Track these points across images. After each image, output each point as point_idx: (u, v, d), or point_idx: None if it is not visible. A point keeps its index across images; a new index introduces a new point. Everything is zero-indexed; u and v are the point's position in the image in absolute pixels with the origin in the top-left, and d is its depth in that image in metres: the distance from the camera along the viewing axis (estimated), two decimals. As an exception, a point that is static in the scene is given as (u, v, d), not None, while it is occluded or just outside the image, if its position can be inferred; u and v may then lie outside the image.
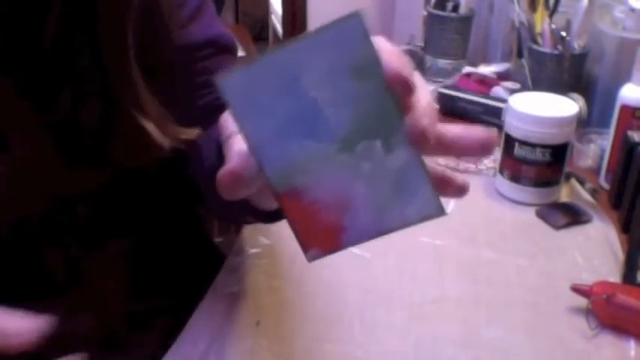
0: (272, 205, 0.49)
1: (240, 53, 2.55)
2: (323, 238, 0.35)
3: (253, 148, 0.32)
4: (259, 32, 2.81)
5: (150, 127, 0.56)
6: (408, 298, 0.72)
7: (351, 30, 0.30)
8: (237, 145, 0.35)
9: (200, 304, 0.69)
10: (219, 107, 0.68)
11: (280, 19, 2.09)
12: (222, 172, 0.34)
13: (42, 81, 0.57)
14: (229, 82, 0.31)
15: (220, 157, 0.57)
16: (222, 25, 0.69)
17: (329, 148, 0.32)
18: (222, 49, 0.69)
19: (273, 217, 0.54)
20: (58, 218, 0.62)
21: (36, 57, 0.56)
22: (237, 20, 2.96)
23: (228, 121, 0.38)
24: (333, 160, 0.33)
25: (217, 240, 0.88)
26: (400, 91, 0.31)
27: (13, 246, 0.61)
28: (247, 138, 0.32)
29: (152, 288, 0.71)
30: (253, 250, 0.79)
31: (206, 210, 0.77)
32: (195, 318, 0.67)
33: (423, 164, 0.33)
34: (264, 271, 0.75)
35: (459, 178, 0.35)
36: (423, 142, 0.32)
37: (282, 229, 0.83)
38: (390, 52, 0.31)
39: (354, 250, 0.79)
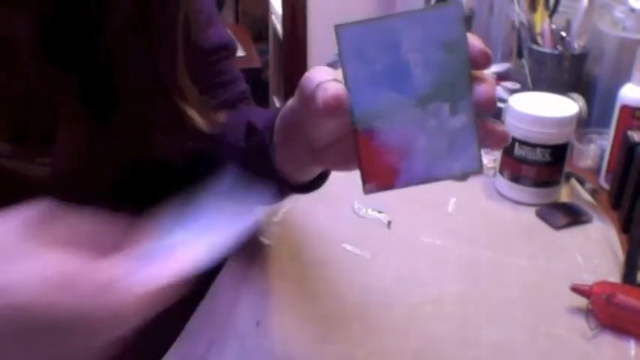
0: (302, 176, 0.55)
1: (241, 53, 2.54)
2: (381, 176, 0.41)
3: (350, 89, 0.39)
4: (259, 32, 2.81)
5: (191, 112, 0.62)
6: (408, 298, 0.72)
7: (450, 13, 0.39)
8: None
9: (200, 304, 0.69)
10: (232, 104, 0.73)
11: (280, 19, 2.09)
12: (328, 94, 0.39)
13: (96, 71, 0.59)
14: (345, 31, 0.38)
15: (248, 140, 0.62)
16: (225, 28, 0.76)
17: (407, 102, 0.40)
18: (233, 53, 0.76)
19: (300, 189, 0.58)
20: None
21: (93, 49, 0.58)
22: (237, 20, 2.96)
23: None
24: (408, 113, 0.40)
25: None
26: (483, 62, 0.39)
27: None
28: (347, 79, 0.39)
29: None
30: (254, 251, 0.79)
31: None
32: (195, 318, 0.67)
33: (477, 128, 0.40)
34: (264, 271, 0.75)
35: (500, 127, 0.41)
36: (490, 107, 0.40)
37: (282, 229, 0.83)
38: (473, 36, 0.40)
39: (354, 250, 0.79)
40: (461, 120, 0.40)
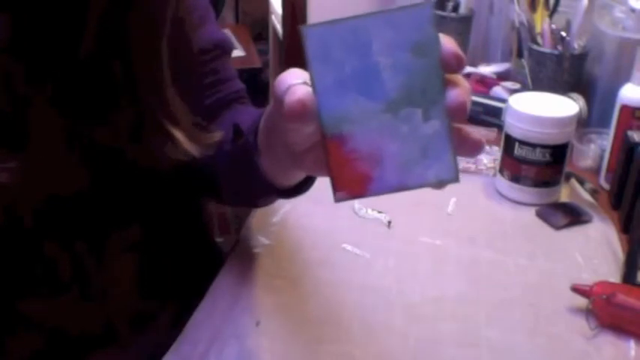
0: (287, 180, 0.54)
1: (241, 53, 2.54)
2: (352, 184, 0.40)
3: (316, 92, 0.38)
4: (259, 32, 2.80)
5: (179, 135, 0.60)
6: (407, 298, 0.72)
7: (421, 14, 0.37)
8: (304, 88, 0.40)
9: (200, 304, 0.69)
10: (223, 105, 0.72)
11: (280, 19, 2.09)
12: (293, 97, 0.38)
13: (75, 91, 0.58)
14: (312, 32, 0.37)
15: (233, 142, 0.61)
16: (220, 28, 0.75)
17: (378, 107, 0.38)
18: (226, 52, 0.74)
19: (286, 193, 0.57)
20: (61, 214, 0.62)
21: (71, 69, 0.57)
22: (237, 20, 2.96)
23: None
24: (379, 118, 0.38)
25: (217, 240, 0.88)
26: (455, 66, 0.37)
27: (17, 242, 0.61)
28: (314, 82, 0.38)
29: (155, 287, 0.71)
30: (253, 250, 0.79)
31: (217, 197, 0.77)
32: (195, 318, 0.67)
33: (451, 135, 0.38)
34: (264, 271, 0.75)
35: (474, 134, 0.39)
36: (461, 114, 0.38)
37: (282, 229, 0.83)
38: (447, 38, 0.38)
39: (354, 250, 0.79)
40: (433, 126, 0.38)
